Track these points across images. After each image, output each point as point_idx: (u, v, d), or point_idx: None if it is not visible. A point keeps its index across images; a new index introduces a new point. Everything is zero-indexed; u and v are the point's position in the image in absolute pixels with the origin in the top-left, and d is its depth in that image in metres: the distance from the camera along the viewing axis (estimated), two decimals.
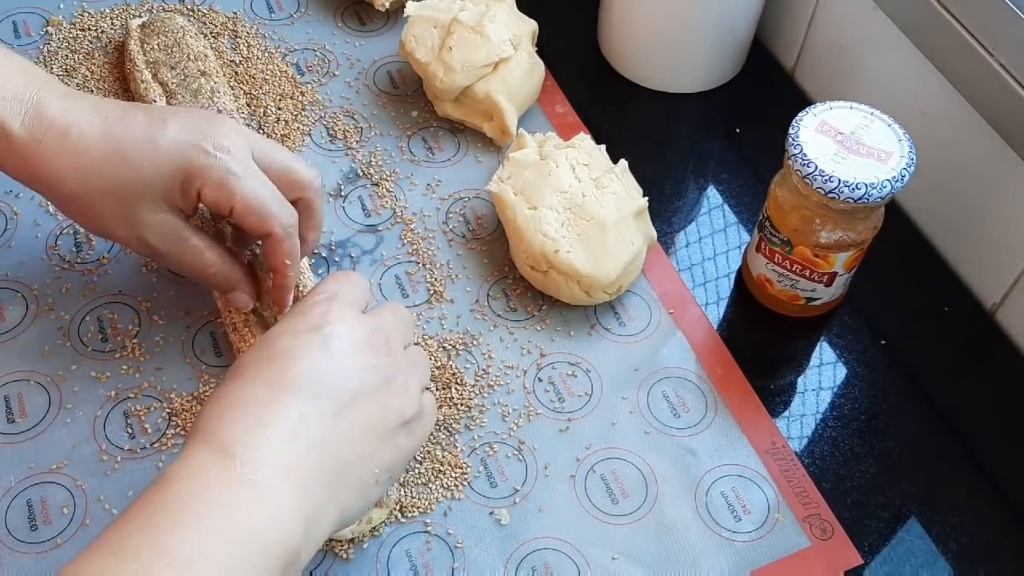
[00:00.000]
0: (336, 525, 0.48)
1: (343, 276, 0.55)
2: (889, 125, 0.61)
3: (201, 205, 0.57)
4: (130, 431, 0.61)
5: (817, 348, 0.68)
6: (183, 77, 0.73)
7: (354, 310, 0.52)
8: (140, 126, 0.55)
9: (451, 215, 0.72)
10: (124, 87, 0.76)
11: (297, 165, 0.59)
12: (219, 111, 0.71)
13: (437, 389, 0.63)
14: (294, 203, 0.59)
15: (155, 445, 0.60)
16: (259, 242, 0.62)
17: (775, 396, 0.65)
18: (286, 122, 0.76)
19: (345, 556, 0.57)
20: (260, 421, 0.46)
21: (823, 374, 0.66)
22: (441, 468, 0.60)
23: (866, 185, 0.58)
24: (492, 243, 0.71)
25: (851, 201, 0.58)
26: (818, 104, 0.62)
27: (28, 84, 0.55)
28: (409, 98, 0.78)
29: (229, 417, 0.46)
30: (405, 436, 0.51)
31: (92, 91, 0.76)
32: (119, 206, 0.55)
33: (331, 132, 0.76)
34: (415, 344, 0.57)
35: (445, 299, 0.68)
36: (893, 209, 0.74)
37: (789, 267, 0.64)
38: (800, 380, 0.66)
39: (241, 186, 0.55)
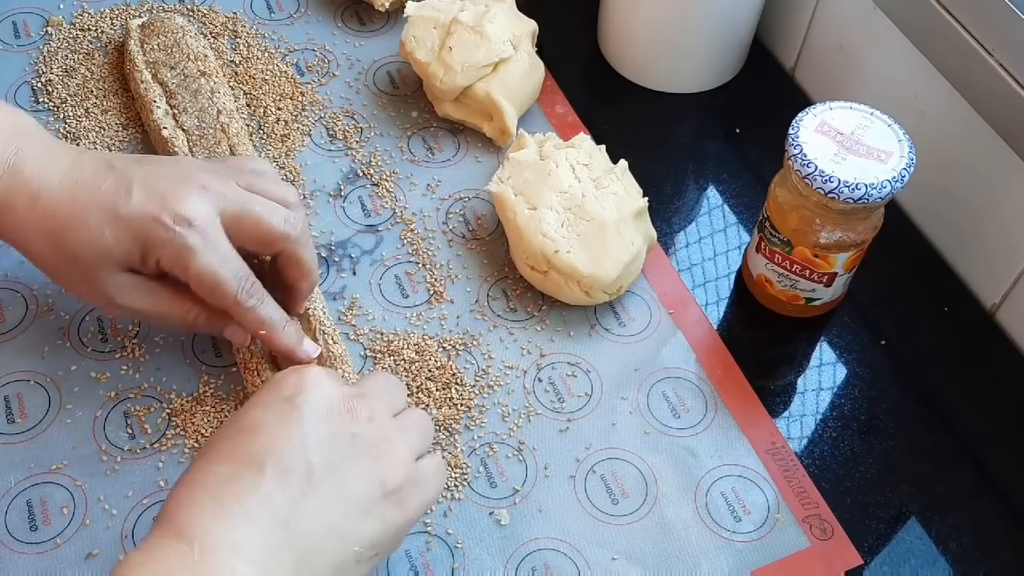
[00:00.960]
0: None
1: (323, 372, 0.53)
2: (889, 125, 0.61)
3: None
4: (130, 431, 0.61)
5: (817, 348, 0.68)
6: (183, 77, 0.73)
7: (332, 377, 0.51)
8: (105, 194, 0.54)
9: (451, 215, 0.72)
10: (124, 87, 0.76)
11: (270, 219, 0.57)
12: (219, 112, 0.71)
13: (437, 389, 0.63)
14: (277, 255, 0.59)
15: (155, 445, 0.60)
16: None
17: (775, 396, 0.65)
18: (286, 122, 0.76)
19: None
20: (220, 503, 0.44)
21: (823, 374, 0.66)
22: None
23: (866, 185, 0.58)
24: (492, 243, 0.71)
25: (851, 201, 0.58)
26: (818, 104, 0.62)
27: (10, 142, 0.55)
28: (409, 98, 0.78)
29: (189, 500, 0.44)
30: (392, 508, 0.48)
31: (92, 91, 0.76)
32: (83, 271, 0.55)
33: (331, 132, 0.76)
34: (410, 408, 0.54)
35: (445, 299, 0.68)
36: (893, 209, 0.74)
37: (789, 267, 0.64)
38: (800, 380, 0.66)
39: (195, 261, 0.54)
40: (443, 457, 0.58)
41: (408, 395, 0.63)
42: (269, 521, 0.44)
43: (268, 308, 0.57)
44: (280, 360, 0.61)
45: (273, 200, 0.58)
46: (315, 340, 0.62)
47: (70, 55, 0.78)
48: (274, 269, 0.61)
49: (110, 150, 0.73)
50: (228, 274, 0.55)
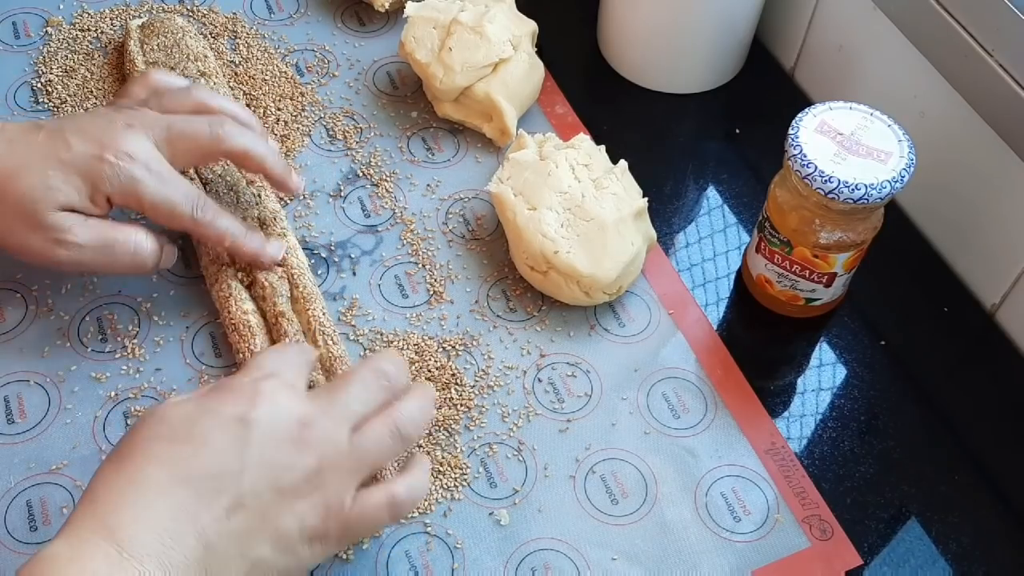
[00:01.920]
0: None
1: (284, 350, 0.53)
2: (889, 125, 0.61)
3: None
4: None
5: (817, 348, 0.68)
6: (183, 77, 0.73)
7: (290, 393, 0.49)
8: (42, 145, 0.57)
9: (451, 215, 0.72)
10: None
11: (196, 132, 0.60)
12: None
13: (437, 389, 0.63)
14: (230, 160, 0.63)
15: None
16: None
17: (775, 396, 0.65)
18: (286, 123, 0.76)
19: (345, 556, 0.57)
20: (153, 512, 0.44)
21: (823, 374, 0.66)
22: (441, 468, 0.60)
23: (866, 186, 0.58)
24: (492, 244, 0.71)
25: (851, 202, 0.58)
26: (818, 104, 0.62)
27: None
28: (409, 99, 0.78)
29: (123, 499, 0.44)
30: (313, 547, 0.48)
31: (92, 91, 0.76)
32: (28, 213, 0.56)
33: (331, 133, 0.76)
34: (379, 420, 0.51)
35: (445, 300, 0.68)
36: (893, 209, 0.74)
37: (789, 268, 0.64)
38: (800, 380, 0.66)
39: (146, 190, 0.58)
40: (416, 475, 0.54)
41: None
42: (193, 540, 0.44)
43: (224, 221, 0.61)
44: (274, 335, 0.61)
45: (191, 111, 0.62)
46: (315, 341, 0.62)
47: (70, 55, 0.78)
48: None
49: None
50: (179, 196, 0.59)
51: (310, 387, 0.55)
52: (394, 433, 0.50)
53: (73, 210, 0.57)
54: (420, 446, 0.61)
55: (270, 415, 0.47)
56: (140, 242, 0.60)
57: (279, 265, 0.65)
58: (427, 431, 0.54)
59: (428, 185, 0.73)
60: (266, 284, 0.63)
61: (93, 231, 0.58)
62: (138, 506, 0.44)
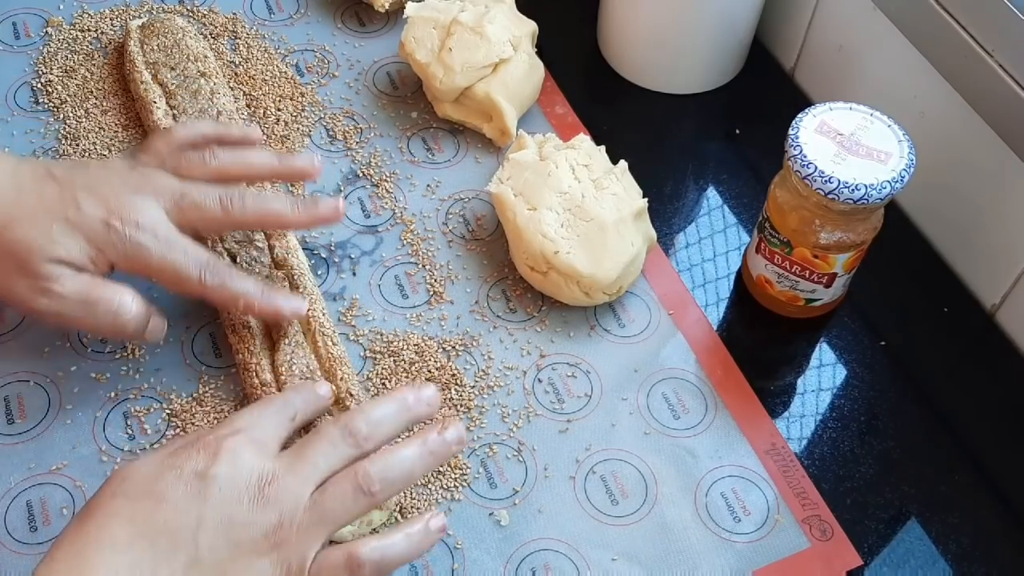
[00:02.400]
0: None
1: (263, 407, 0.52)
2: (889, 126, 0.61)
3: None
4: (130, 432, 0.61)
5: (817, 349, 0.68)
6: (183, 78, 0.73)
7: (255, 449, 0.48)
8: (51, 200, 0.56)
9: (451, 216, 0.72)
10: (124, 88, 0.76)
11: (207, 206, 0.58)
12: (219, 112, 0.71)
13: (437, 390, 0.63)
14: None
15: (155, 446, 0.60)
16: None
17: (775, 397, 0.65)
18: (286, 123, 0.76)
19: None
20: (111, 566, 0.44)
21: (823, 375, 0.66)
22: (441, 469, 0.60)
23: (866, 186, 0.58)
24: (492, 244, 0.71)
25: (851, 202, 0.58)
26: (818, 105, 0.62)
27: None
28: (409, 99, 0.78)
29: (80, 555, 0.44)
30: None
31: (92, 91, 0.76)
32: (22, 260, 0.55)
33: (331, 133, 0.76)
34: (341, 476, 0.49)
35: (445, 300, 0.68)
36: (893, 209, 0.74)
37: (789, 268, 0.64)
38: (800, 381, 0.66)
39: (151, 257, 0.57)
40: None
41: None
42: None
43: (236, 283, 0.59)
44: (277, 358, 0.61)
45: (205, 176, 0.60)
46: (315, 342, 0.62)
47: (70, 56, 0.78)
48: None
49: (110, 151, 0.73)
50: (188, 261, 0.57)
51: (309, 428, 0.55)
52: (357, 489, 0.48)
53: (69, 264, 0.56)
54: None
55: (231, 471, 0.47)
56: (124, 303, 0.57)
57: (278, 267, 0.65)
58: (407, 486, 0.50)
59: (428, 185, 0.73)
60: None
61: (79, 284, 0.56)
62: (97, 563, 0.44)
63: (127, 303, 0.57)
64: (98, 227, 0.56)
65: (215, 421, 0.61)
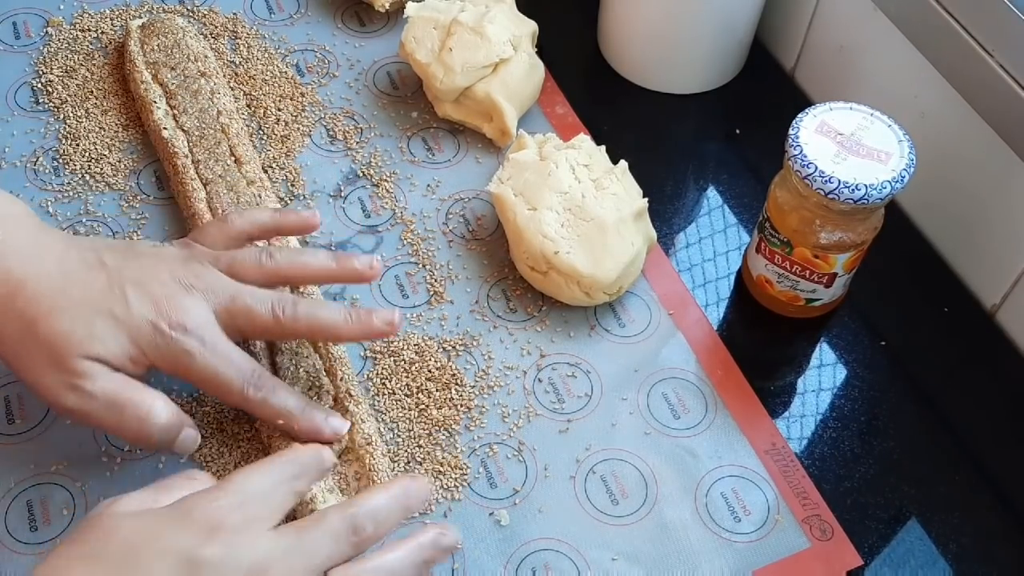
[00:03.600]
0: None
1: (265, 474, 0.48)
2: (889, 126, 0.61)
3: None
4: None
5: (817, 349, 0.68)
6: (183, 78, 0.73)
7: (255, 531, 0.45)
8: (99, 294, 0.54)
9: (451, 216, 0.72)
10: (124, 88, 0.76)
11: (259, 311, 0.56)
12: (219, 112, 0.71)
13: (437, 390, 0.63)
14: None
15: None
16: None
17: (775, 397, 0.65)
18: (286, 123, 0.76)
19: None
20: None
21: (823, 375, 0.66)
22: (441, 469, 0.60)
23: (866, 186, 0.58)
24: (492, 244, 0.71)
25: (851, 202, 0.58)
26: (818, 105, 0.62)
27: None
28: (409, 99, 0.78)
29: None
30: None
31: (92, 92, 0.76)
32: (57, 354, 0.52)
33: (331, 133, 0.76)
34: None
35: (445, 300, 0.68)
36: (893, 209, 0.74)
37: (789, 268, 0.64)
38: (800, 381, 0.66)
39: (195, 364, 0.54)
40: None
41: (408, 396, 0.63)
42: None
43: (279, 397, 0.56)
44: (277, 359, 0.61)
45: (259, 279, 0.58)
46: (315, 342, 0.62)
47: (70, 56, 0.78)
48: None
49: (110, 151, 0.73)
50: (231, 371, 0.55)
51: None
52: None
53: (105, 363, 0.53)
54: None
55: (223, 558, 0.43)
56: (155, 410, 0.54)
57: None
58: None
59: (428, 185, 0.73)
60: None
61: (111, 384, 0.53)
62: None
63: (157, 409, 0.54)
64: (144, 327, 0.53)
65: (215, 421, 0.61)
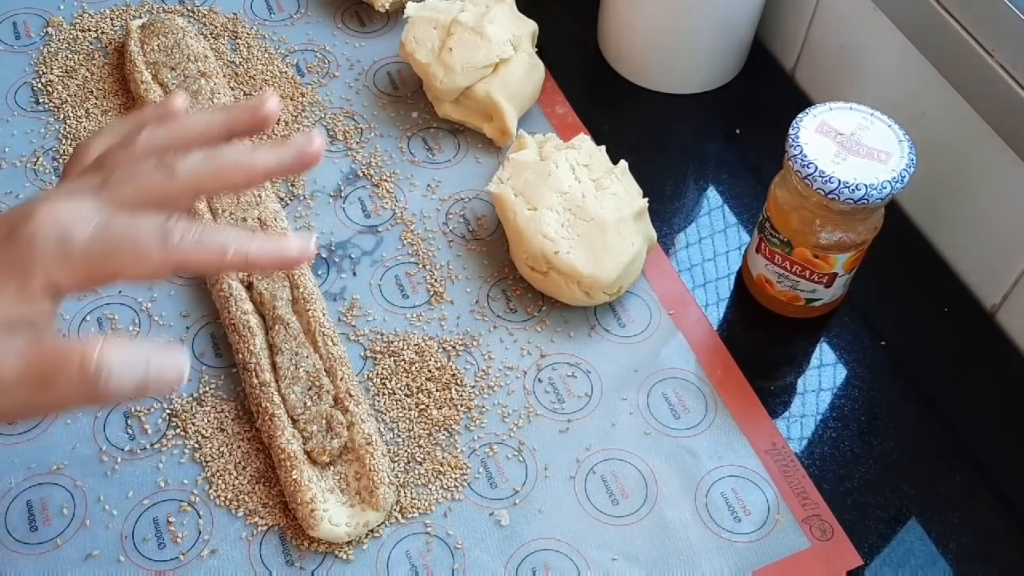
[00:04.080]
0: None
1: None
2: (889, 126, 0.61)
3: None
4: (130, 432, 0.61)
5: (817, 349, 0.68)
6: (183, 78, 0.73)
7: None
8: None
9: (451, 216, 0.72)
10: (124, 88, 0.76)
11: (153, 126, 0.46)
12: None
13: (437, 390, 0.63)
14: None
15: (155, 446, 0.60)
16: None
17: (775, 397, 0.65)
18: (286, 123, 0.76)
19: (345, 557, 0.57)
20: None
21: (823, 375, 0.66)
22: (441, 469, 0.60)
23: (866, 186, 0.58)
24: (492, 244, 0.71)
25: (851, 202, 0.58)
26: (818, 105, 0.62)
27: None
28: (409, 99, 0.78)
29: None
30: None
31: (92, 92, 0.76)
32: None
33: (331, 133, 0.76)
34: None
35: (445, 300, 0.68)
36: (893, 209, 0.74)
37: (789, 268, 0.64)
38: (800, 381, 0.66)
39: (85, 245, 0.41)
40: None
41: (408, 395, 0.63)
42: None
43: (217, 234, 0.43)
44: (277, 358, 0.61)
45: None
46: (315, 342, 0.62)
47: (70, 56, 0.78)
48: None
49: None
50: (137, 233, 0.42)
51: None
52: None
53: (9, 326, 0.40)
54: (420, 448, 0.61)
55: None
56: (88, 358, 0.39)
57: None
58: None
59: (428, 185, 0.73)
60: (263, 291, 0.63)
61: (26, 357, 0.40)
62: None
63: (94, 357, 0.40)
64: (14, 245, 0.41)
65: (215, 421, 0.61)
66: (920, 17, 0.67)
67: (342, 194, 0.73)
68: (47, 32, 0.80)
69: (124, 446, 0.60)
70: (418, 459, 0.60)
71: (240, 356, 0.62)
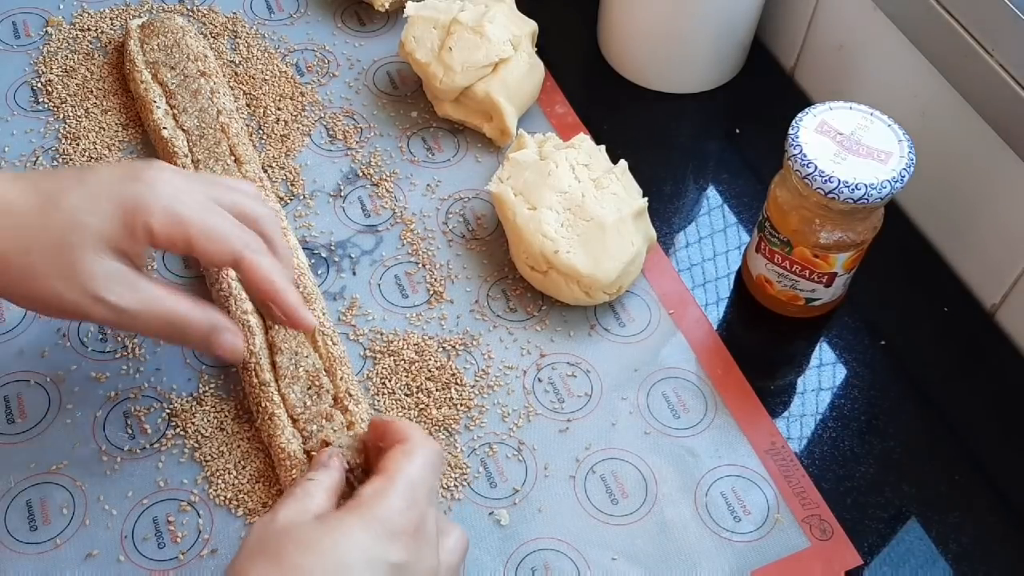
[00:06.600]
0: None
1: (424, 459, 0.48)
2: (889, 125, 0.61)
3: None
4: (130, 431, 0.61)
5: (817, 348, 0.68)
6: (183, 77, 0.73)
7: (423, 525, 0.46)
8: (70, 176, 0.51)
9: (451, 215, 0.72)
10: (124, 87, 0.76)
11: (244, 200, 0.54)
12: (219, 112, 0.71)
13: (436, 389, 0.63)
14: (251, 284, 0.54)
15: (155, 446, 0.60)
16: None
17: (775, 396, 0.65)
18: (286, 122, 0.76)
19: None
20: None
21: (823, 374, 0.66)
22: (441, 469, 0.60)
23: (866, 186, 0.58)
24: (492, 243, 0.71)
25: (851, 202, 0.58)
26: (818, 104, 0.62)
27: None
28: (409, 98, 0.78)
29: None
30: None
31: (92, 91, 0.76)
32: (62, 262, 0.49)
33: (331, 132, 0.76)
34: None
35: (445, 299, 0.68)
36: (893, 209, 0.74)
37: (789, 267, 0.64)
38: (800, 380, 0.66)
39: (195, 213, 0.50)
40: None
41: (408, 395, 0.63)
42: None
43: (276, 261, 0.53)
44: (277, 358, 0.61)
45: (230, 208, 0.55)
46: (315, 341, 0.62)
47: (70, 55, 0.78)
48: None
49: (110, 150, 0.73)
50: (233, 223, 0.52)
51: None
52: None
53: (106, 249, 0.50)
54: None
55: (413, 559, 0.45)
56: (190, 320, 0.52)
57: None
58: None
59: (428, 185, 0.73)
60: None
61: (129, 294, 0.50)
62: None
63: (180, 311, 0.52)
64: (125, 186, 0.50)
65: (216, 421, 0.61)
66: (920, 17, 0.67)
67: (342, 193, 0.73)
68: (47, 31, 0.80)
69: (124, 446, 0.60)
70: None
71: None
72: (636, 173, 0.69)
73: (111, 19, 0.81)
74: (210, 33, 0.81)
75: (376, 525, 0.45)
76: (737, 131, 0.79)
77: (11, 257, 0.50)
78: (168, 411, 0.62)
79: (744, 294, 0.70)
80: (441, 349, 0.65)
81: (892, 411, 0.65)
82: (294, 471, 0.57)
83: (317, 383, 0.60)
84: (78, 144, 0.73)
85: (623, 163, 0.69)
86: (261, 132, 0.75)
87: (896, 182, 0.58)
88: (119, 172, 0.51)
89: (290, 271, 0.56)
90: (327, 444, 0.55)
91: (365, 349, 0.65)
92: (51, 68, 0.77)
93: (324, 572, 0.43)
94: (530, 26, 0.77)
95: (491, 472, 0.61)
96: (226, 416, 0.61)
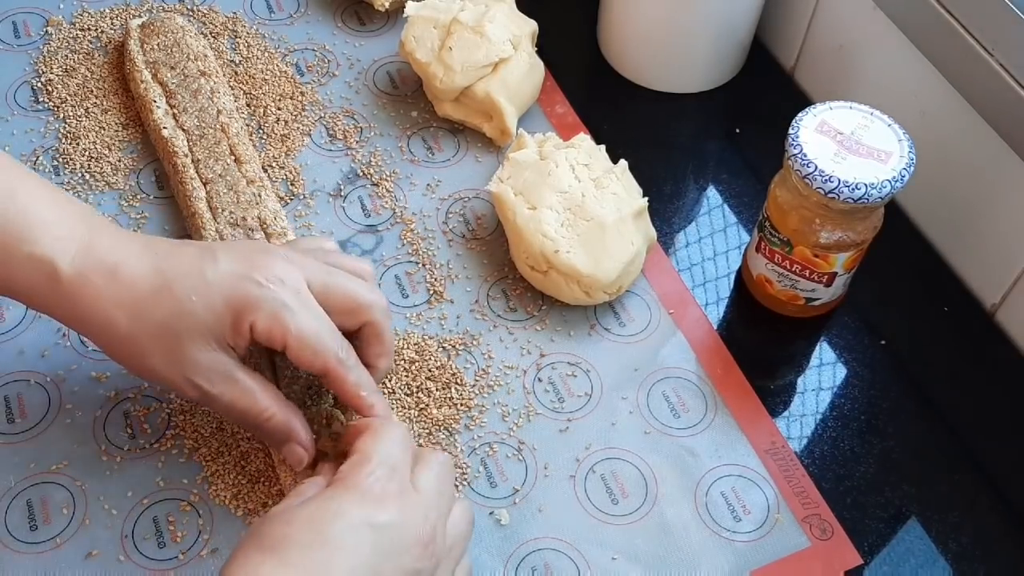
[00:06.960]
0: None
1: (394, 435, 0.51)
2: (889, 125, 0.61)
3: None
4: (130, 431, 0.61)
5: (817, 348, 0.68)
6: (183, 77, 0.73)
7: (410, 489, 0.49)
8: (190, 259, 0.53)
9: (451, 215, 0.72)
10: (124, 87, 0.76)
11: (356, 288, 0.56)
12: (219, 112, 0.71)
13: (437, 389, 0.63)
14: (359, 329, 0.56)
15: (155, 445, 0.60)
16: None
17: (775, 396, 0.65)
18: (286, 122, 0.76)
19: None
20: None
21: (823, 374, 0.66)
22: None
23: (866, 185, 0.58)
24: (492, 243, 0.71)
25: (851, 201, 0.58)
26: (818, 104, 0.62)
27: (81, 224, 0.53)
28: (409, 98, 0.78)
29: None
30: None
31: (92, 91, 0.76)
32: (167, 344, 0.52)
33: (331, 132, 0.76)
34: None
35: (445, 299, 0.68)
36: (893, 209, 0.74)
37: (789, 267, 0.64)
38: (800, 380, 0.66)
39: (295, 319, 0.52)
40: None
41: (408, 395, 0.63)
42: None
43: (364, 372, 0.55)
44: (277, 358, 0.61)
45: (350, 272, 0.57)
46: None
47: (70, 55, 0.78)
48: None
49: (110, 150, 0.73)
50: (329, 331, 0.54)
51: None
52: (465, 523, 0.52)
53: (217, 342, 0.52)
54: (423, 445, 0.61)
55: (401, 518, 0.48)
56: (272, 417, 0.54)
57: None
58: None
59: (428, 185, 0.73)
60: None
61: (223, 387, 0.53)
62: None
63: (264, 417, 0.54)
64: (238, 284, 0.52)
65: (215, 421, 0.61)
66: (920, 17, 0.67)
67: (342, 193, 0.73)
68: (47, 31, 0.80)
69: (124, 445, 0.60)
70: None
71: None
72: (636, 173, 0.70)
73: (111, 19, 0.81)
74: (210, 33, 0.81)
75: (354, 492, 0.47)
76: (737, 131, 0.79)
77: (118, 324, 0.52)
78: (168, 411, 0.62)
79: (744, 294, 0.70)
80: (441, 349, 0.65)
81: (892, 411, 0.65)
82: (294, 471, 0.57)
83: (317, 383, 0.60)
84: (78, 144, 0.73)
85: (623, 163, 0.69)
86: (261, 132, 0.75)
87: (896, 182, 0.58)
88: (238, 268, 0.53)
89: (390, 360, 0.58)
90: (325, 454, 0.56)
91: None
92: (51, 68, 0.77)
93: (305, 540, 0.45)
94: (530, 26, 0.77)
95: (491, 472, 0.61)
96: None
